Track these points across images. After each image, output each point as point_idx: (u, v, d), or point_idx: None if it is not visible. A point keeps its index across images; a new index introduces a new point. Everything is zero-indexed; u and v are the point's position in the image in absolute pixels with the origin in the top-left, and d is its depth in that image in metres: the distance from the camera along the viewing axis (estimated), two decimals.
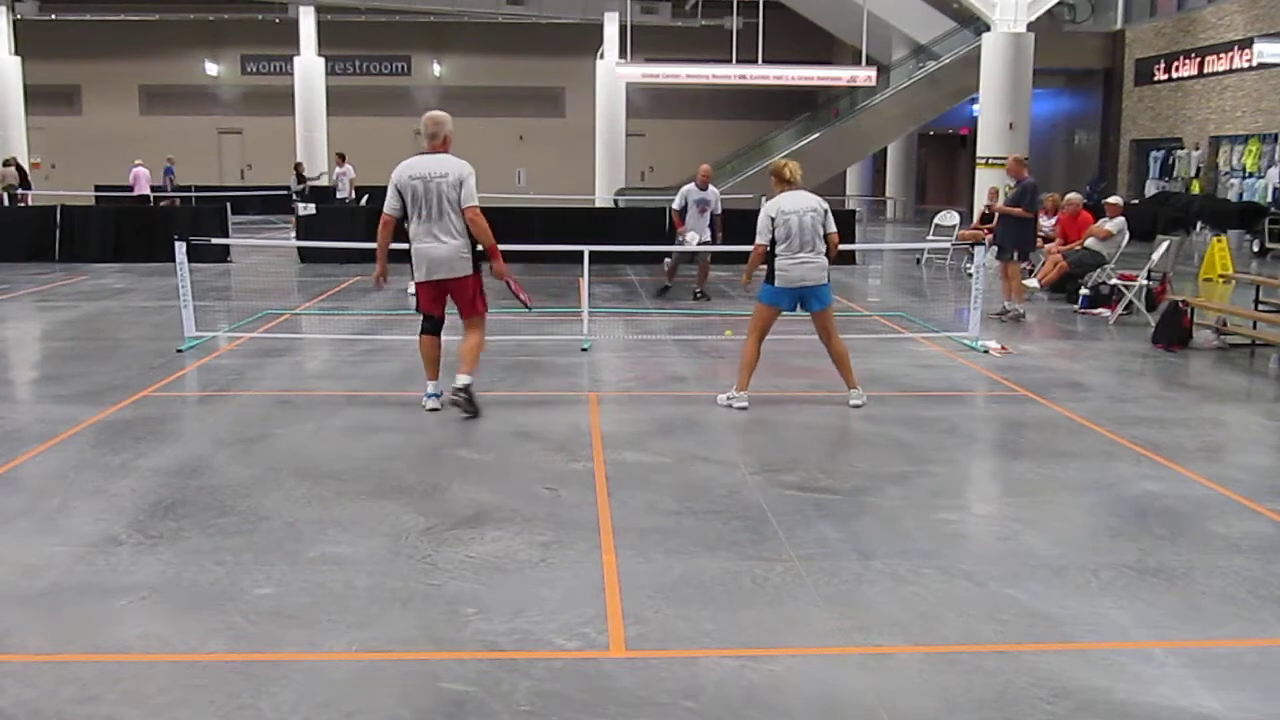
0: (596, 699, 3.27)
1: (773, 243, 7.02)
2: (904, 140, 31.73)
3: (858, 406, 7.12)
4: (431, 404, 6.90)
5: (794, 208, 7.03)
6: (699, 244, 12.10)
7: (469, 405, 6.71)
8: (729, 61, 25.08)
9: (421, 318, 6.96)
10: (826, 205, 7.21)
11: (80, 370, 8.23)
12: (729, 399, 7.20)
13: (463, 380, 6.72)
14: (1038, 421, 6.94)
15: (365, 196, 23.36)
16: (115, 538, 4.58)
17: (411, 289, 15.53)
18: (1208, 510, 5.13)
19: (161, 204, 24.33)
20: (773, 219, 7.00)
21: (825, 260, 7.11)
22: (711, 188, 12.32)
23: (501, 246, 6.67)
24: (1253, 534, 4.79)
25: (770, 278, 7.12)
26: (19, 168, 23.96)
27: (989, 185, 18.84)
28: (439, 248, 6.59)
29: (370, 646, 3.61)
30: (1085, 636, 3.75)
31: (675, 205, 12.44)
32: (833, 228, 7.15)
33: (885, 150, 32.46)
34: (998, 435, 6.85)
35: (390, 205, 6.61)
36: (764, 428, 6.71)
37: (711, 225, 12.26)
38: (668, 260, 13.10)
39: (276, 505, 5.05)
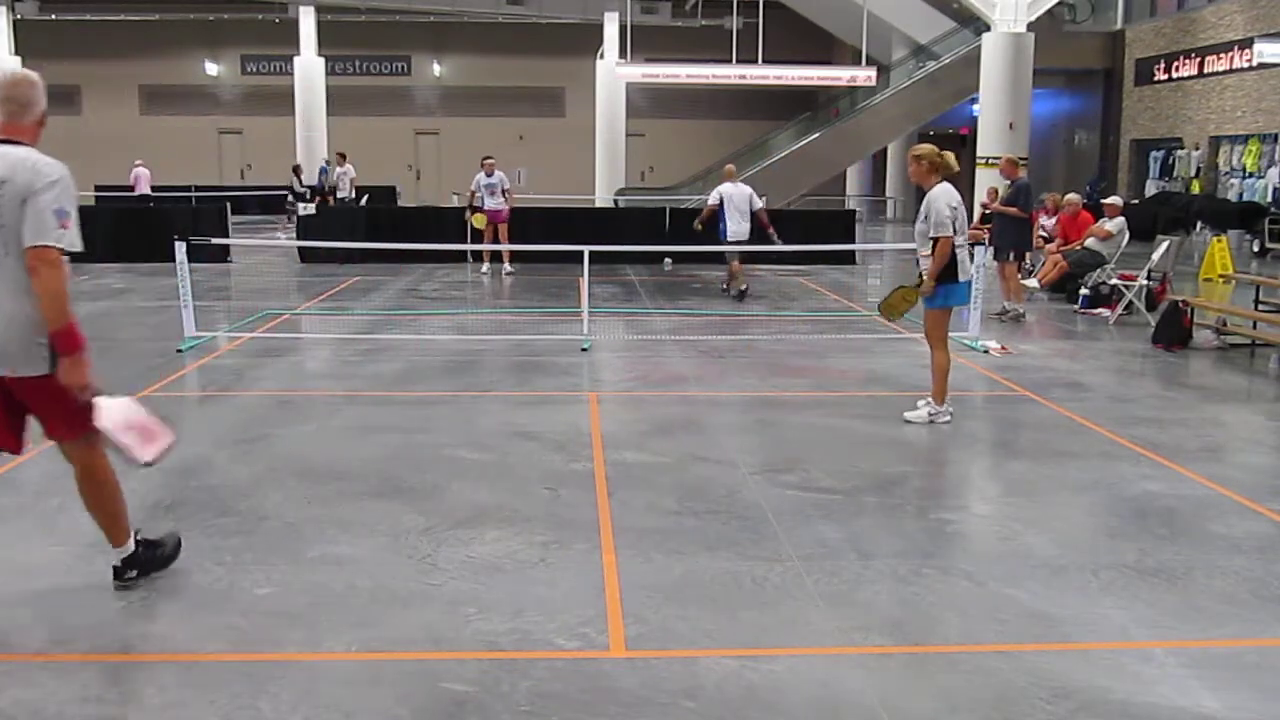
0: (596, 699, 3.27)
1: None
2: (904, 140, 31.64)
3: (948, 422, 6.72)
4: None
5: (959, 199, 6.70)
6: (732, 243, 12.22)
7: (151, 563, 4.12)
8: (729, 61, 25.06)
9: None
10: None
11: None
12: (932, 414, 6.67)
13: (122, 553, 4.04)
14: (1038, 421, 6.94)
15: (365, 196, 23.41)
16: None
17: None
18: (1208, 510, 5.12)
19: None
20: (954, 209, 6.50)
21: None
22: (740, 185, 12.22)
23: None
24: (1253, 534, 4.79)
25: (949, 276, 6.57)
26: None
27: (988, 185, 18.84)
28: None
29: (370, 646, 3.61)
30: (1085, 636, 3.75)
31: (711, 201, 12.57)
32: None
33: (885, 150, 32.45)
34: (998, 435, 6.85)
35: None
36: (764, 428, 6.71)
37: (754, 222, 12.14)
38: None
39: (276, 505, 5.05)
